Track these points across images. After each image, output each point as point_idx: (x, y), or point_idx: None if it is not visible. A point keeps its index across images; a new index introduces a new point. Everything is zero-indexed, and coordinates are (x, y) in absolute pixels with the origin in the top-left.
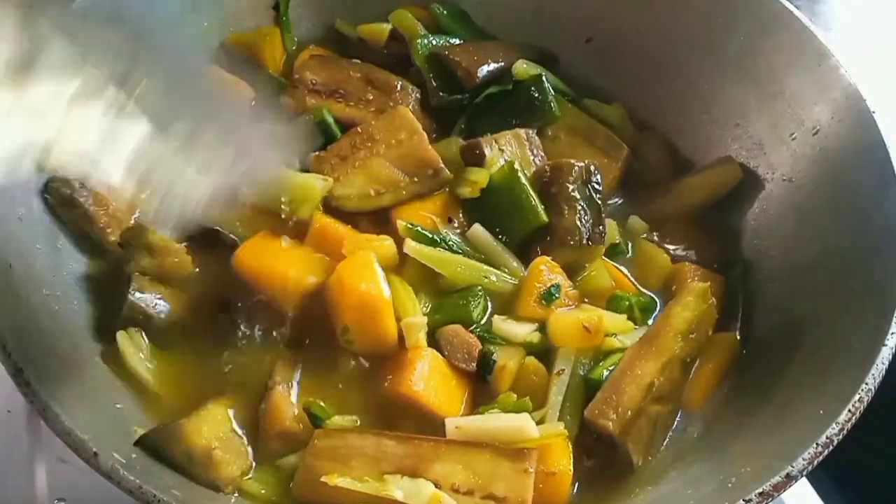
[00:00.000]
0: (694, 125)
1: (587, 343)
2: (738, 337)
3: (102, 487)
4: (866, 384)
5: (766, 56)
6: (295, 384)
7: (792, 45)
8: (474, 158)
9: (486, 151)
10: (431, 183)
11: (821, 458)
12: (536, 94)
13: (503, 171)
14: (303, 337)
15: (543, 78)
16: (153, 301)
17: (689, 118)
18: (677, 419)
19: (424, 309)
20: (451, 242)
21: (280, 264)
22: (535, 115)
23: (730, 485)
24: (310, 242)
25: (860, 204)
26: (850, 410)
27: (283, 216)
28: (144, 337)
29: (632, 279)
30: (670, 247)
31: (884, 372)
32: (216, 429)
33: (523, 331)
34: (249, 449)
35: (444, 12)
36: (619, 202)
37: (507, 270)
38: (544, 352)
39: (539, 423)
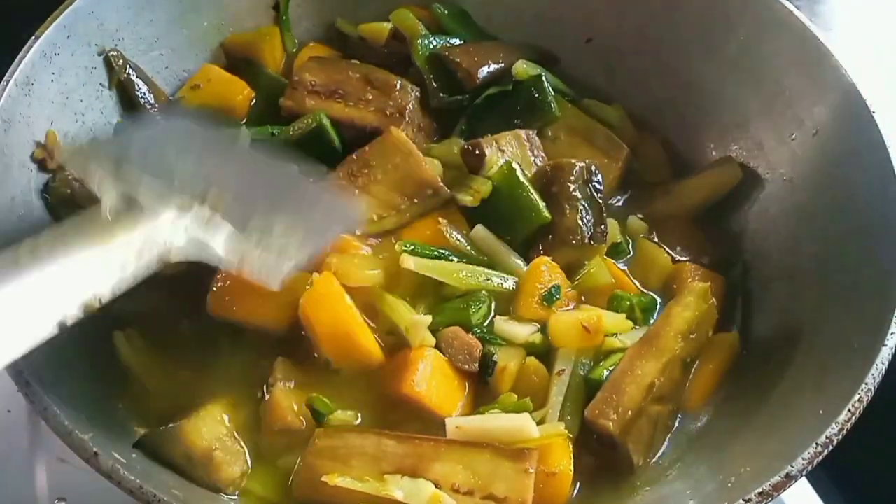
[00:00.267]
0: (694, 125)
1: (587, 343)
2: (738, 337)
3: (102, 487)
4: (866, 384)
5: (766, 56)
6: (295, 383)
7: (792, 45)
8: (475, 159)
9: (487, 152)
10: (432, 202)
11: (820, 458)
12: (536, 95)
13: (502, 172)
14: (301, 339)
15: (543, 78)
16: (144, 302)
17: (689, 118)
18: (677, 419)
19: (422, 313)
20: (450, 251)
21: (256, 304)
22: (536, 115)
23: (730, 485)
24: None
25: (860, 204)
26: (849, 410)
27: None
28: (141, 337)
29: (632, 279)
30: (670, 247)
31: (884, 372)
32: (216, 429)
33: (525, 332)
34: (249, 449)
35: (445, 12)
36: (620, 202)
37: (510, 271)
38: (545, 352)
39: (539, 423)
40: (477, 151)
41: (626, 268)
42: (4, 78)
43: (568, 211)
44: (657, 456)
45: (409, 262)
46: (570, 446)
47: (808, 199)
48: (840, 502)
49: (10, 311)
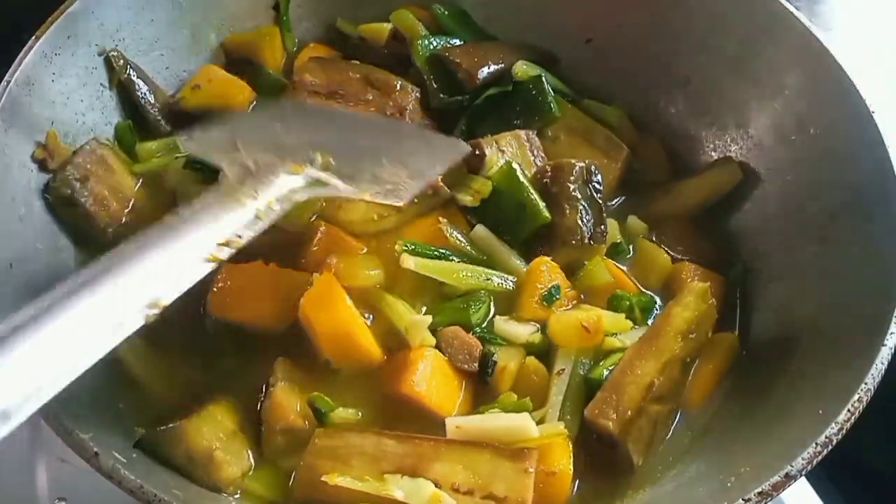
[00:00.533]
0: (694, 125)
1: (587, 343)
2: (738, 337)
3: (102, 487)
4: (866, 384)
5: (766, 56)
6: (295, 383)
7: (792, 45)
8: (475, 159)
9: (487, 152)
10: (432, 202)
11: (820, 457)
12: (536, 95)
13: (502, 172)
14: (301, 339)
15: (543, 79)
16: None
17: (689, 118)
18: (677, 419)
19: (421, 313)
20: (451, 251)
21: (256, 304)
22: (536, 115)
23: (729, 484)
24: (315, 251)
25: (860, 204)
26: (849, 410)
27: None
28: (141, 337)
29: (632, 279)
30: (670, 247)
31: (883, 372)
32: (216, 429)
33: (525, 332)
34: (250, 449)
35: (445, 13)
36: (620, 202)
37: (510, 271)
38: (545, 352)
39: (539, 422)
40: (477, 151)
41: (625, 268)
42: (4, 78)
43: (568, 211)
44: (657, 456)
45: (410, 262)
46: (570, 446)
47: (808, 199)
48: (840, 502)
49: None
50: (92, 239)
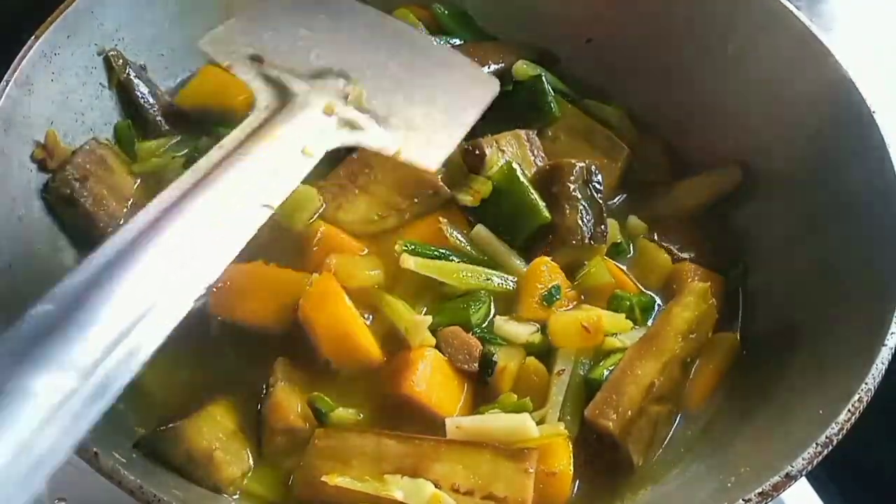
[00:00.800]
0: (694, 125)
1: (587, 343)
2: (738, 337)
3: (102, 487)
4: (866, 384)
5: (765, 56)
6: (295, 383)
7: (792, 45)
8: (475, 160)
9: (487, 152)
10: (432, 202)
11: (820, 457)
12: (536, 95)
13: (502, 172)
14: (301, 339)
15: (543, 78)
16: None
17: (689, 118)
18: (677, 419)
19: (421, 313)
20: (451, 251)
21: (256, 304)
22: (536, 115)
23: (730, 485)
24: (315, 251)
25: (860, 204)
26: (849, 410)
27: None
28: None
29: (632, 279)
30: (670, 247)
31: (883, 372)
32: (216, 429)
33: (525, 332)
34: (250, 449)
35: (445, 12)
36: (620, 202)
37: (510, 271)
38: (545, 352)
39: (539, 423)
40: (477, 151)
41: (625, 268)
42: (4, 78)
43: (568, 211)
44: (657, 456)
45: (410, 262)
46: (570, 446)
47: (808, 199)
48: (840, 502)
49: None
50: (92, 239)
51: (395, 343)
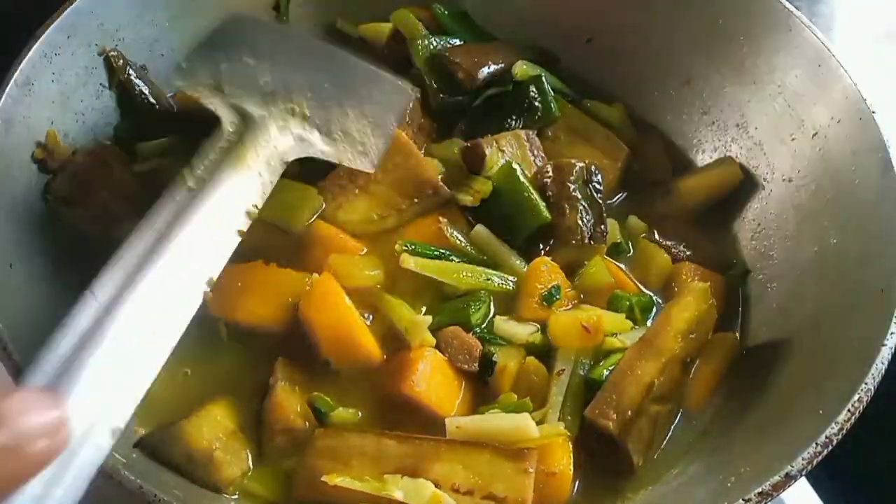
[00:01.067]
0: (694, 125)
1: (587, 343)
2: (738, 337)
3: (103, 487)
4: (866, 384)
5: (766, 56)
6: (295, 383)
7: (792, 45)
8: (475, 160)
9: (487, 152)
10: (432, 202)
11: (820, 457)
12: (536, 95)
13: (502, 172)
14: (301, 339)
15: (543, 79)
16: None
17: (689, 118)
18: (677, 419)
19: (421, 313)
20: (451, 251)
21: (256, 304)
22: (536, 115)
23: (729, 485)
24: (315, 251)
25: (860, 204)
26: (849, 410)
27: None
28: None
29: (632, 279)
30: (670, 247)
31: (883, 372)
32: (216, 429)
33: (525, 332)
34: (250, 449)
35: (445, 13)
36: (620, 202)
37: (510, 271)
38: (545, 352)
39: (539, 423)
40: (477, 151)
41: (625, 267)
42: (4, 78)
43: (568, 211)
44: (657, 456)
45: (410, 262)
46: (570, 446)
47: (808, 199)
48: (840, 502)
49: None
50: (91, 239)
51: (395, 343)
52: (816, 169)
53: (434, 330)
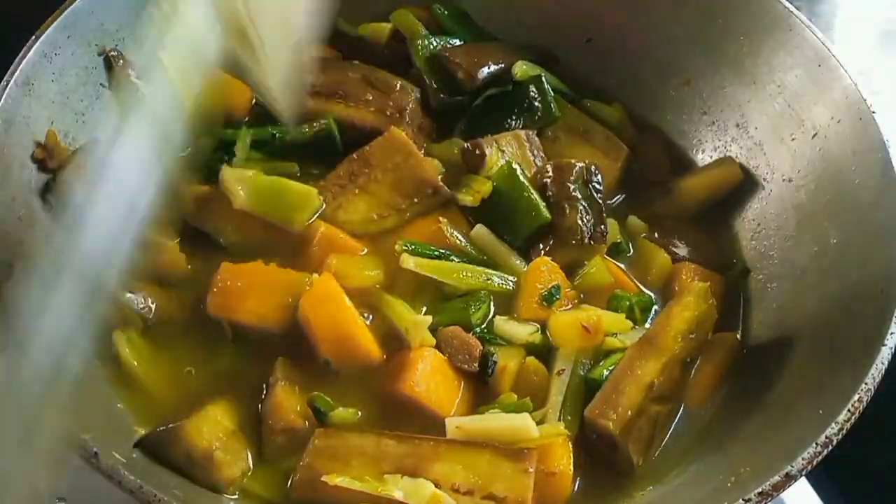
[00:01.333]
0: (694, 125)
1: (587, 343)
2: (738, 337)
3: (102, 487)
4: (866, 384)
5: (766, 56)
6: (295, 383)
7: (792, 45)
8: (475, 160)
9: (487, 152)
10: (432, 201)
11: (820, 457)
12: (536, 95)
13: (502, 172)
14: (301, 339)
15: (543, 79)
16: (142, 301)
17: (689, 118)
18: (677, 419)
19: (421, 313)
20: (451, 251)
21: (256, 304)
22: (535, 115)
23: (729, 484)
24: (315, 251)
25: (860, 204)
26: (849, 410)
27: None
28: (141, 337)
29: (632, 279)
30: (670, 247)
31: (883, 372)
32: (216, 429)
33: (525, 332)
34: (250, 449)
35: (445, 13)
36: (619, 202)
37: (510, 271)
38: (545, 352)
39: (539, 423)
40: (477, 151)
41: (625, 267)
42: (4, 78)
43: (568, 211)
44: (657, 456)
45: (410, 262)
46: (570, 446)
47: (808, 199)
48: (840, 502)
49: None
50: None
51: (395, 343)
52: (816, 169)
53: (434, 330)
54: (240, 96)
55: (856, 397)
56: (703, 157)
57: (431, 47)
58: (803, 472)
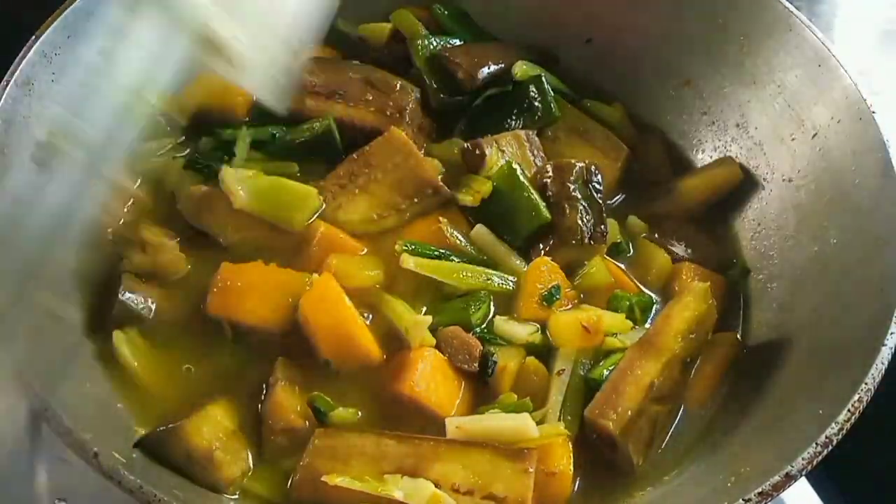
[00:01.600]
0: (694, 125)
1: (587, 343)
2: (738, 337)
3: (102, 487)
4: (866, 384)
5: (766, 56)
6: (295, 383)
7: (792, 45)
8: (475, 160)
9: (487, 152)
10: (432, 201)
11: (820, 457)
12: (536, 95)
13: (502, 172)
14: (301, 339)
15: (543, 79)
16: (142, 301)
17: (689, 118)
18: (677, 419)
19: (421, 313)
20: (451, 251)
21: (256, 304)
22: (536, 115)
23: (729, 484)
24: (315, 251)
25: (860, 204)
26: (849, 410)
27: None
28: (141, 336)
29: (632, 279)
30: (670, 247)
31: (883, 372)
32: (216, 429)
33: (525, 332)
34: (250, 449)
35: (445, 13)
36: (619, 202)
37: (510, 271)
38: (545, 352)
39: (539, 423)
40: (477, 151)
41: (625, 267)
42: (4, 78)
43: (568, 211)
44: (657, 456)
45: (410, 262)
46: (570, 446)
47: (808, 199)
48: (840, 502)
49: None
50: (92, 238)
51: (395, 343)
52: (816, 169)
53: (434, 330)
54: (239, 96)
55: (856, 397)
56: (703, 157)
57: (431, 47)
58: (803, 472)
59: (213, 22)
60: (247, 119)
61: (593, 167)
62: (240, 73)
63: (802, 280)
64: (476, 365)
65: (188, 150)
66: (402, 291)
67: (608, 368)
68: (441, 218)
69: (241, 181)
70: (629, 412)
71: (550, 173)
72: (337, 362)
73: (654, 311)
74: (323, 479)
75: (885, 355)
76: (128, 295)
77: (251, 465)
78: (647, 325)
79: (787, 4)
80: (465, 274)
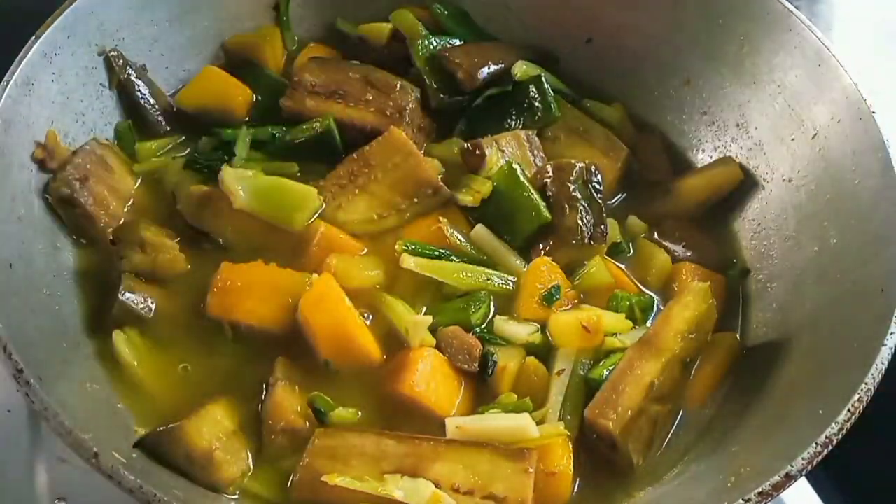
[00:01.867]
0: (694, 125)
1: (587, 343)
2: (738, 337)
3: (102, 487)
4: (865, 384)
5: (766, 56)
6: (295, 383)
7: (792, 45)
8: (475, 160)
9: (487, 152)
10: (432, 201)
11: (820, 457)
12: (536, 95)
13: (502, 172)
14: (301, 339)
15: (543, 79)
16: (142, 301)
17: (689, 118)
18: (677, 419)
19: (421, 313)
20: (451, 251)
21: (256, 304)
22: (535, 116)
23: (729, 484)
24: (315, 251)
25: (860, 204)
26: (849, 410)
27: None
28: (141, 336)
29: (632, 279)
30: (670, 247)
31: (883, 372)
32: (216, 429)
33: (525, 332)
34: (250, 449)
35: (445, 13)
36: (619, 202)
37: (510, 271)
38: (545, 352)
39: (539, 423)
40: (477, 151)
41: (625, 267)
42: (4, 78)
43: (568, 211)
44: (657, 456)
45: (410, 262)
46: (570, 446)
47: (808, 199)
48: (840, 502)
49: None
50: (92, 239)
51: (394, 343)
52: (816, 169)
53: (434, 330)
54: (239, 97)
55: (856, 397)
56: (703, 157)
57: (431, 47)
58: (803, 472)
59: None
60: (247, 119)
61: (593, 167)
62: None
63: (802, 280)
64: (476, 365)
65: (188, 150)
66: (402, 291)
67: (608, 368)
68: (441, 218)
69: (241, 181)
70: (629, 412)
71: (550, 173)
72: (337, 362)
73: (654, 311)
74: (323, 479)
75: (885, 355)
76: (127, 295)
77: (251, 465)
78: (647, 325)
79: (787, 4)
80: (465, 274)
